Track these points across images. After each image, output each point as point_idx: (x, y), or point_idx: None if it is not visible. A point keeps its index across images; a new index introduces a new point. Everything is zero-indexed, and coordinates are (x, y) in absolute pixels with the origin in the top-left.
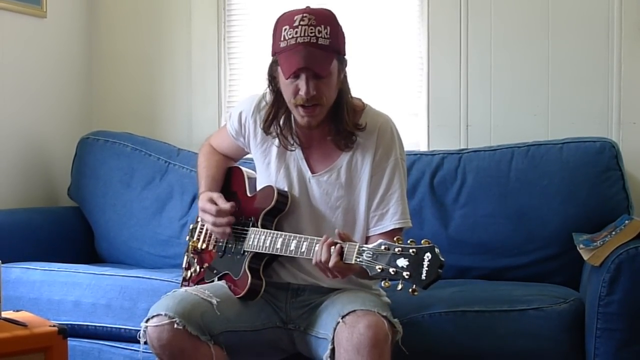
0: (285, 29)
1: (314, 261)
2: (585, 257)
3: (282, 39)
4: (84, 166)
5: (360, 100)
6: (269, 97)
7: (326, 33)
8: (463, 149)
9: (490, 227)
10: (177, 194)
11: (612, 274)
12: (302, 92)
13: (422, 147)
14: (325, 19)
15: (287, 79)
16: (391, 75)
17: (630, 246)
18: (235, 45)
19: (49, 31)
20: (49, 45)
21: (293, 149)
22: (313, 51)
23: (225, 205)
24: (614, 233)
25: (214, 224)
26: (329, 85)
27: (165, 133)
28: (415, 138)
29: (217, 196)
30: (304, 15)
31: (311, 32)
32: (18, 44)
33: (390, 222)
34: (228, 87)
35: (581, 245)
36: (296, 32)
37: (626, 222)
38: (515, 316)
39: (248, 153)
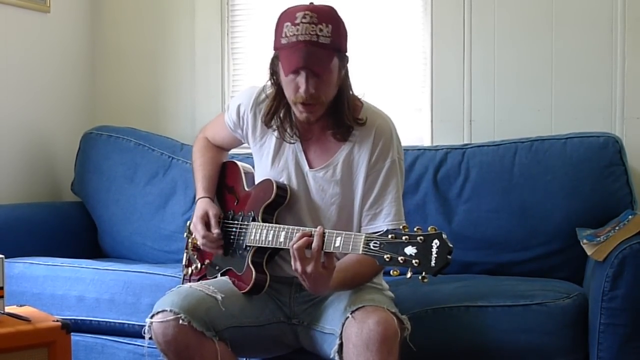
0: (287, 25)
1: (292, 249)
2: (588, 252)
3: (283, 35)
4: (87, 161)
5: (358, 98)
6: (269, 91)
7: (327, 31)
8: (467, 144)
9: (494, 222)
10: (181, 189)
11: (615, 269)
12: (301, 91)
13: (426, 142)
14: (327, 16)
15: (286, 76)
16: (395, 71)
17: (634, 241)
18: (239, 40)
19: (53, 26)
20: (52, 40)
21: (292, 141)
22: (313, 50)
23: (214, 230)
24: (617, 228)
25: (204, 245)
26: (329, 83)
27: (168, 128)
28: (418, 133)
29: (212, 214)
30: (306, 12)
31: (312, 31)
32: (22, 39)
33: (383, 223)
34: (231, 82)
35: (585, 240)
36: (297, 30)
37: (630, 217)
38: (519, 311)
39: (242, 143)
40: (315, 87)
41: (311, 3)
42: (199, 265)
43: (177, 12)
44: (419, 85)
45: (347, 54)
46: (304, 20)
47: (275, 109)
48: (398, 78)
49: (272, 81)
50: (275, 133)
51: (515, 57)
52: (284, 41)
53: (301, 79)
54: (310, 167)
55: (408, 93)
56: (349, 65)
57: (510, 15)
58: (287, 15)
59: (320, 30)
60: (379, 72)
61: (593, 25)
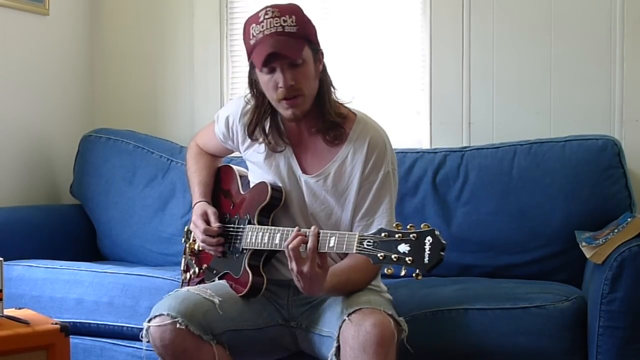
0: (253, 27)
1: (287, 249)
2: (587, 255)
3: (251, 37)
4: (86, 164)
5: (350, 109)
6: (252, 102)
7: (292, 21)
8: (465, 147)
9: (493, 224)
10: (180, 192)
11: (614, 271)
12: (280, 84)
13: (425, 145)
14: (289, 10)
15: (260, 70)
16: (394, 74)
17: (633, 244)
18: (237, 43)
19: (52, 29)
20: (51, 42)
21: (282, 149)
22: (281, 39)
23: (214, 224)
24: (616, 231)
25: (204, 242)
26: (306, 73)
27: (167, 130)
28: (417, 136)
29: (211, 212)
30: (267, 9)
31: (277, 23)
32: (21, 42)
33: None
34: (230, 85)
35: (583, 243)
36: (262, 26)
37: (628, 219)
38: (518, 314)
39: (234, 152)
40: (294, 79)
41: (271, 4)
42: (197, 270)
43: (176, 14)
44: (417, 88)
45: (320, 48)
46: (267, 17)
47: (257, 120)
48: (397, 81)
49: (252, 92)
50: (263, 143)
51: (514, 59)
52: (252, 42)
53: (278, 75)
54: (304, 172)
55: (407, 96)
56: (326, 62)
57: (509, 18)
58: (251, 19)
59: (285, 21)
60: (377, 75)
61: (592, 28)
